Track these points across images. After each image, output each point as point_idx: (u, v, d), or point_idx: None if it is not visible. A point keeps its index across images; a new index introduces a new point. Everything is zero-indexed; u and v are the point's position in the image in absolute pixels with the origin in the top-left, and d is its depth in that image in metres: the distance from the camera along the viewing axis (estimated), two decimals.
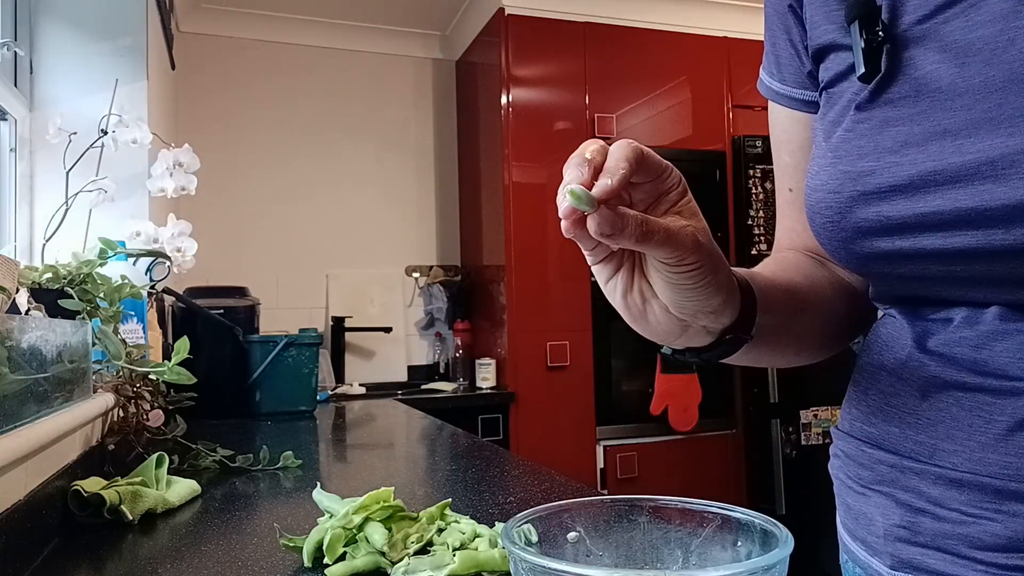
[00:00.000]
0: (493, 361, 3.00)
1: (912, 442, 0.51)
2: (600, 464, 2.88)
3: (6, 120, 1.75)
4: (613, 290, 0.48)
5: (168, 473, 1.01)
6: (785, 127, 0.64)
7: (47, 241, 1.49)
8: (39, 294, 1.11)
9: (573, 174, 0.43)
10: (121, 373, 1.16)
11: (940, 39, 0.46)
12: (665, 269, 0.45)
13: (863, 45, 0.49)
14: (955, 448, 0.48)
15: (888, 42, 0.49)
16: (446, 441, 1.54)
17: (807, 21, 0.57)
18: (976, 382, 0.48)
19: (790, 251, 0.66)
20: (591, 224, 0.42)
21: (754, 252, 3.06)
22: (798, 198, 0.64)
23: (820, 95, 0.57)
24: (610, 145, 0.44)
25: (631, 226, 0.41)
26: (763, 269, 0.61)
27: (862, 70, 0.49)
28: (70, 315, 1.10)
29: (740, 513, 0.44)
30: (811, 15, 0.57)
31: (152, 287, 1.73)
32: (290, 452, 1.20)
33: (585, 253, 0.47)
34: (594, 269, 0.48)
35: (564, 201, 0.42)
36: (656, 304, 0.48)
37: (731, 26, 3.21)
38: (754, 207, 3.10)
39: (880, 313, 0.59)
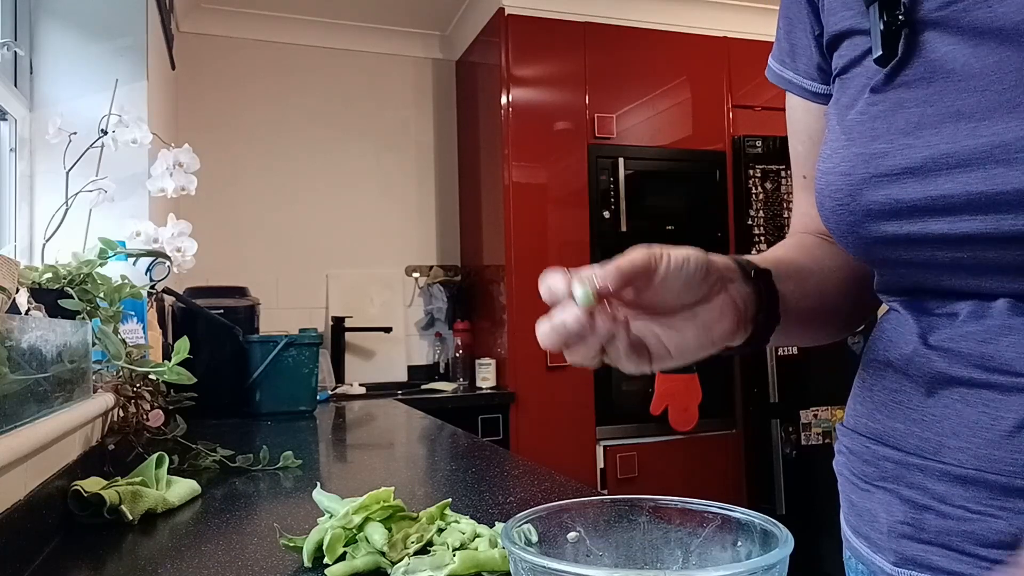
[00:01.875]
0: (493, 361, 3.00)
1: (917, 438, 0.51)
2: (600, 464, 2.88)
3: (6, 120, 1.75)
4: (627, 361, 0.50)
5: (168, 473, 1.01)
6: (799, 116, 0.65)
7: (47, 241, 1.49)
8: (39, 294, 1.11)
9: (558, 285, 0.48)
10: (121, 373, 1.16)
11: (959, 25, 0.46)
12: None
13: (882, 28, 0.49)
14: (960, 445, 0.48)
15: (907, 27, 0.48)
16: (446, 441, 1.54)
17: (824, 9, 0.58)
18: (982, 378, 0.47)
19: (803, 234, 0.66)
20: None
21: (754, 252, 3.06)
22: (811, 184, 0.64)
23: (833, 83, 0.57)
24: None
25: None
26: (773, 252, 0.62)
27: (879, 52, 0.49)
28: (70, 315, 1.10)
29: (740, 513, 0.44)
30: (828, 2, 0.57)
31: (152, 287, 1.73)
32: (290, 452, 1.20)
33: (583, 360, 0.51)
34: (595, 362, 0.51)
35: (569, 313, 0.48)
36: (674, 341, 0.49)
37: (731, 26, 3.21)
38: (754, 207, 3.10)
39: (885, 307, 0.59)
